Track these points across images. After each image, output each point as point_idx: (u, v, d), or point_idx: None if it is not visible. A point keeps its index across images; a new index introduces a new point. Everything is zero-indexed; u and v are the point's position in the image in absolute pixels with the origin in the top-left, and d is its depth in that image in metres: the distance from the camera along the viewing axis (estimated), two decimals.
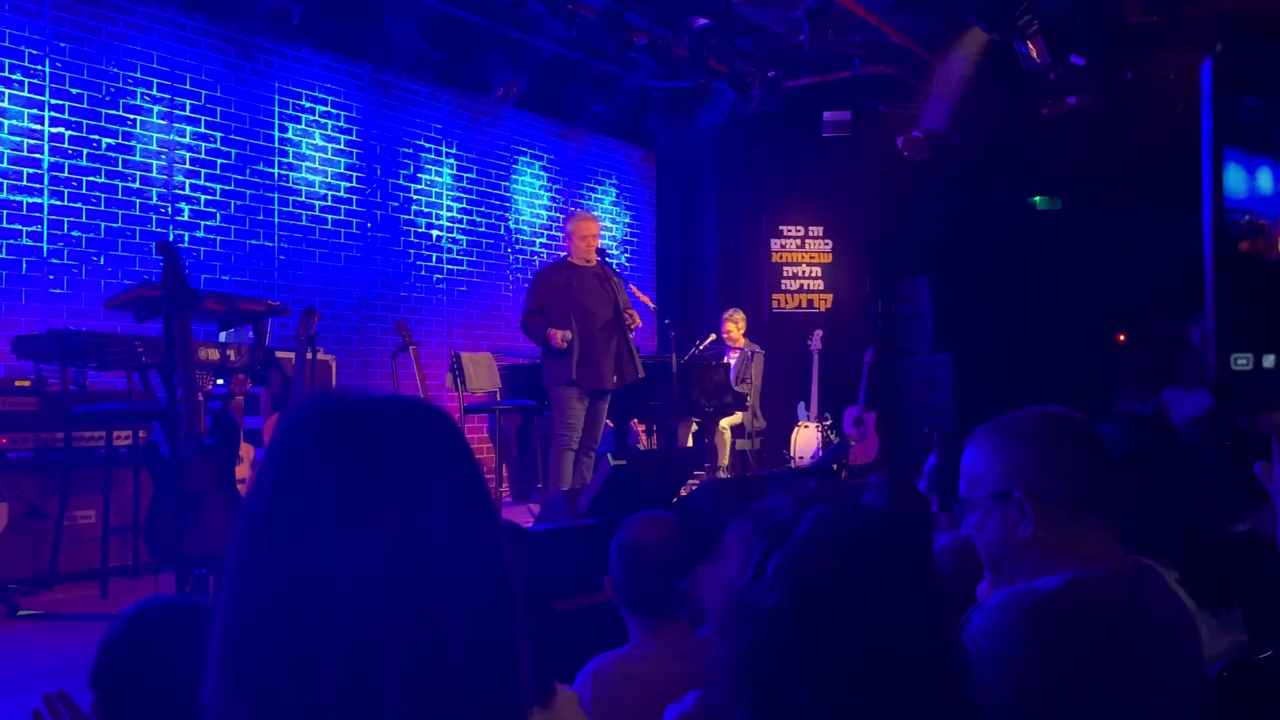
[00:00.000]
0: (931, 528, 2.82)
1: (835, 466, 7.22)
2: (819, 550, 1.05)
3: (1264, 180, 0.77)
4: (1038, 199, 10.73)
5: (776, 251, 10.05)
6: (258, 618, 0.78)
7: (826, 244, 10.09)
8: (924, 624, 1.05)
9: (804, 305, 10.00)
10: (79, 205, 6.01)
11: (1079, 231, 10.20)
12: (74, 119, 5.99)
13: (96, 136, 6.10)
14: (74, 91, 5.99)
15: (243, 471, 5.13)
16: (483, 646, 0.80)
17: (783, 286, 10.03)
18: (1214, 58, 0.78)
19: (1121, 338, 10.92)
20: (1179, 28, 8.00)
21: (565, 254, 6.27)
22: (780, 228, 10.07)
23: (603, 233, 9.52)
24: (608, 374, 6.00)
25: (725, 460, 7.93)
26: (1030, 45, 7.53)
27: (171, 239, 6.37)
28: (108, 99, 6.15)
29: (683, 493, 5.28)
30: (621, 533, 2.26)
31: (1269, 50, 0.77)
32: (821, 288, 10.07)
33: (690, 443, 7.73)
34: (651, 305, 6.55)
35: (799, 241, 10.08)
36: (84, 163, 6.04)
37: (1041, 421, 1.64)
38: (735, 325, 8.47)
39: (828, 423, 8.74)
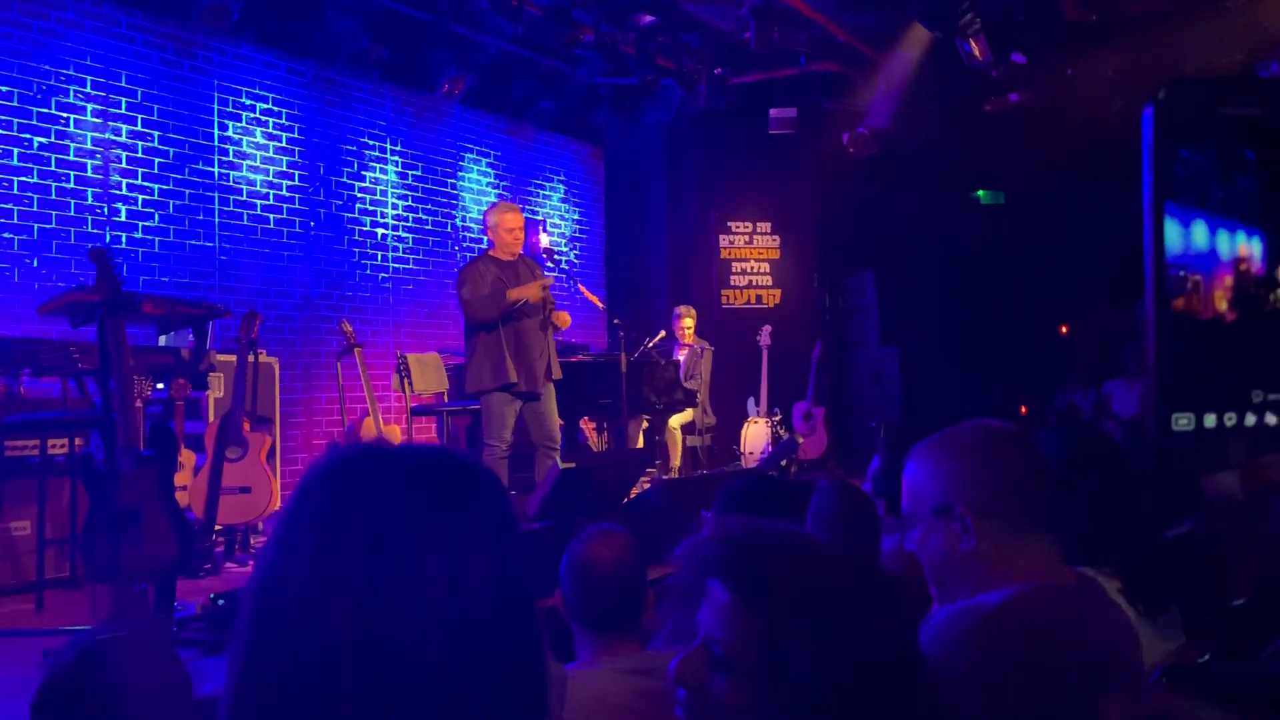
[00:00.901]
0: (878, 532, 2.84)
1: (784, 463, 7.25)
2: (848, 625, 1.04)
3: (1199, 235, 0.77)
4: (981, 193, 10.87)
5: (725, 248, 10.08)
6: (286, 673, 0.77)
7: (774, 240, 10.14)
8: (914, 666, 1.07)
9: (752, 301, 10.04)
10: (10, 206, 5.84)
11: (1022, 225, 10.36)
12: (4, 117, 5.83)
13: (28, 135, 5.93)
14: (3, 89, 5.82)
15: (183, 479, 5.04)
16: (513, 697, 0.82)
17: (731, 283, 10.06)
18: (1155, 105, 0.77)
19: (1064, 329, 11.12)
20: (1117, 26, 8.14)
21: (487, 249, 5.96)
22: (728, 224, 10.10)
23: (551, 229, 9.51)
24: (540, 376, 5.79)
25: (677, 460, 7.93)
26: (973, 43, 7.61)
27: (108, 240, 6.24)
28: (39, 96, 5.99)
29: (633, 494, 5.27)
30: (572, 549, 2.23)
31: (1208, 101, 0.77)
32: (770, 283, 10.12)
33: (641, 440, 7.72)
34: (601, 306, 6.52)
35: (747, 238, 10.11)
36: (15, 162, 5.87)
37: (980, 435, 1.64)
38: (691, 320, 8.48)
39: (777, 418, 8.79)
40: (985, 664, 1.43)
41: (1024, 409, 10.53)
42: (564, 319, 5.98)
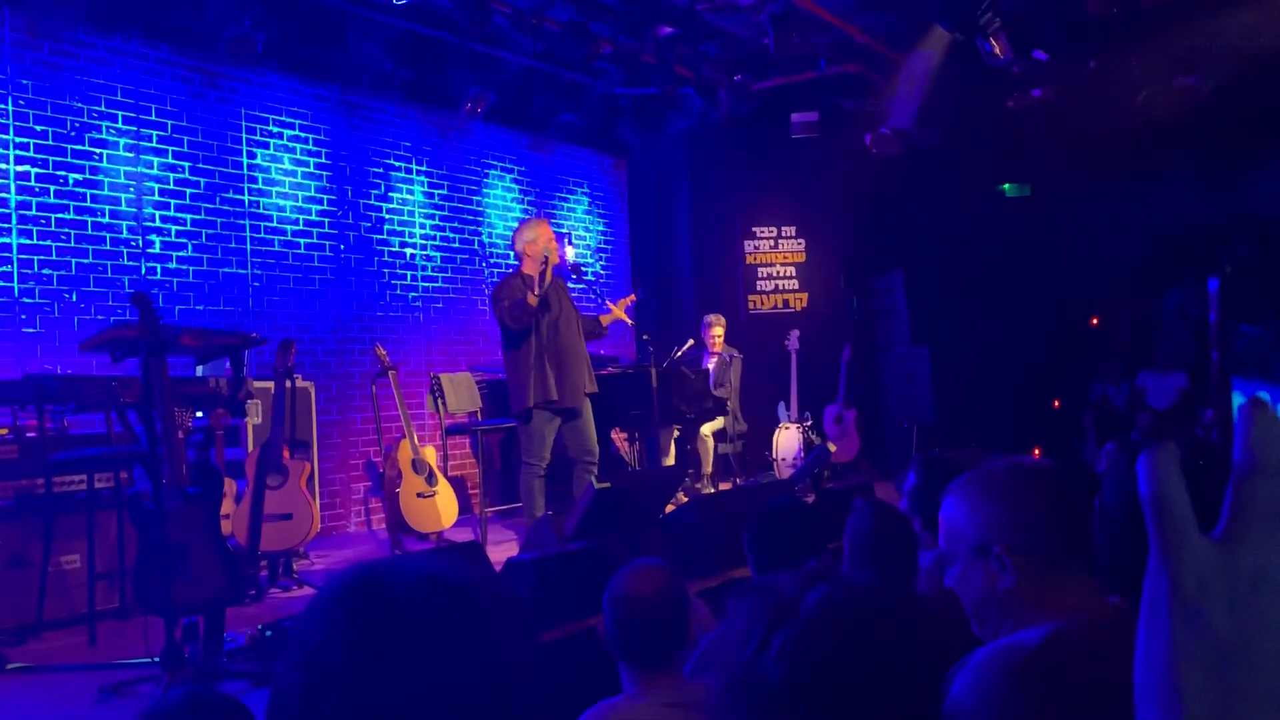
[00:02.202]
0: (915, 552, 2.86)
1: (818, 471, 7.26)
2: (820, 630, 1.08)
3: None
4: (1007, 186, 10.83)
5: (750, 253, 10.09)
6: None
7: (799, 243, 10.14)
8: (915, 703, 1.09)
9: (780, 305, 10.05)
10: (48, 243, 5.96)
11: (1049, 217, 10.32)
12: (40, 156, 5.95)
13: (63, 173, 6.05)
14: (38, 129, 5.95)
15: (226, 507, 5.13)
16: None
17: (758, 288, 10.08)
18: (1221, 279, 0.79)
19: (1095, 321, 11.05)
20: (1140, 17, 8.09)
21: (517, 267, 5.99)
22: (753, 229, 10.11)
23: (576, 241, 9.56)
24: (580, 391, 5.86)
25: (708, 468, 7.96)
26: (993, 42, 7.58)
27: (143, 271, 6.35)
28: (73, 134, 6.11)
29: (668, 509, 5.30)
30: (613, 584, 2.26)
31: (1272, 278, 0.79)
32: (796, 287, 10.12)
33: (673, 449, 7.76)
34: (630, 321, 6.54)
35: (772, 242, 10.12)
36: (51, 200, 5.99)
37: (1015, 474, 1.67)
38: (722, 329, 8.51)
39: (808, 423, 8.79)
40: (1027, 703, 1.45)
41: (1057, 403, 10.48)
42: (611, 317, 6.09)
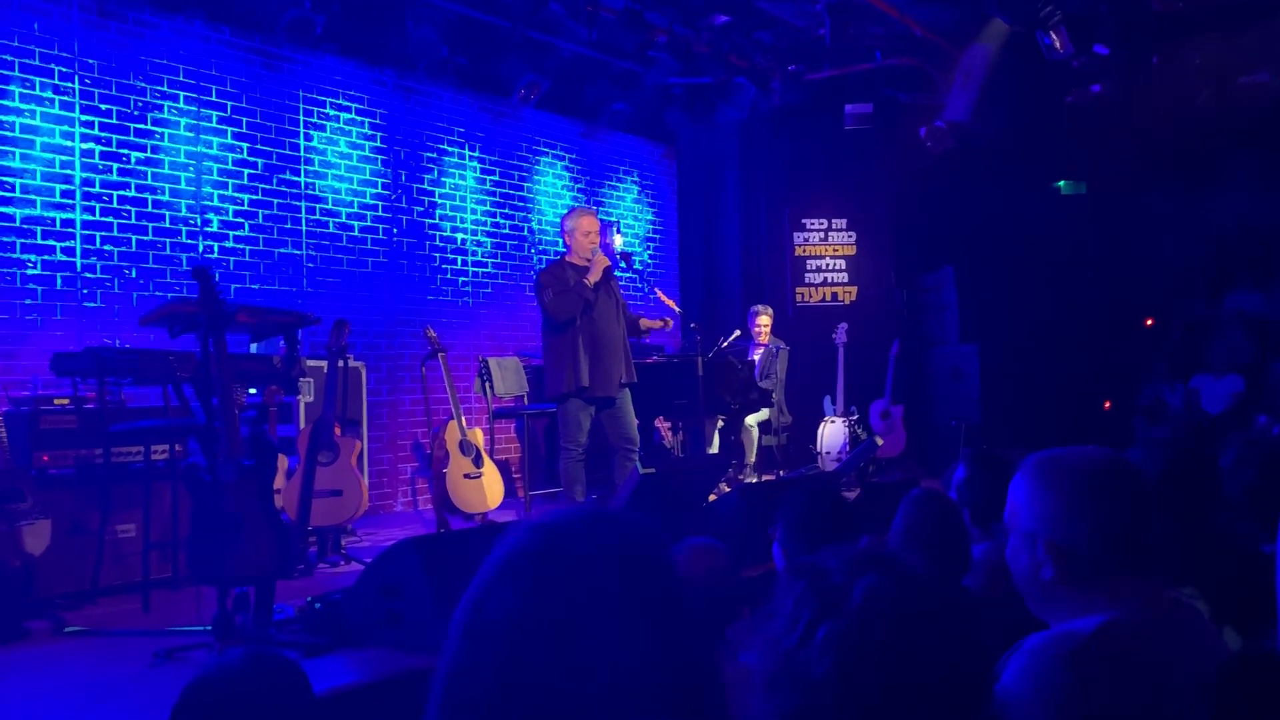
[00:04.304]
0: (968, 542, 2.84)
1: (864, 464, 7.22)
2: (870, 626, 1.06)
3: None
4: (1062, 184, 10.68)
5: (800, 245, 10.04)
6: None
7: (850, 236, 10.07)
8: (967, 697, 1.08)
9: (828, 299, 9.99)
10: (110, 219, 6.09)
11: (1104, 216, 10.16)
12: (104, 134, 6.07)
13: (126, 151, 6.17)
14: (103, 107, 6.07)
15: (277, 482, 5.21)
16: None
17: (806, 280, 10.02)
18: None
19: (1149, 322, 10.87)
20: (1204, 12, 7.93)
21: (564, 254, 6.08)
22: (803, 221, 10.05)
23: (624, 230, 9.57)
24: (615, 381, 5.86)
25: (752, 458, 7.94)
26: (1053, 35, 7.47)
27: (201, 250, 6.47)
28: (136, 113, 6.22)
29: (711, 498, 5.31)
30: None
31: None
32: (845, 280, 10.05)
33: (716, 440, 7.76)
34: (677, 309, 6.54)
35: (822, 234, 10.06)
36: (114, 177, 6.12)
37: (1083, 469, 1.62)
38: (769, 320, 8.48)
39: (854, 417, 8.73)
40: (1079, 691, 1.45)
41: (1108, 404, 10.33)
42: (651, 324, 6.09)
